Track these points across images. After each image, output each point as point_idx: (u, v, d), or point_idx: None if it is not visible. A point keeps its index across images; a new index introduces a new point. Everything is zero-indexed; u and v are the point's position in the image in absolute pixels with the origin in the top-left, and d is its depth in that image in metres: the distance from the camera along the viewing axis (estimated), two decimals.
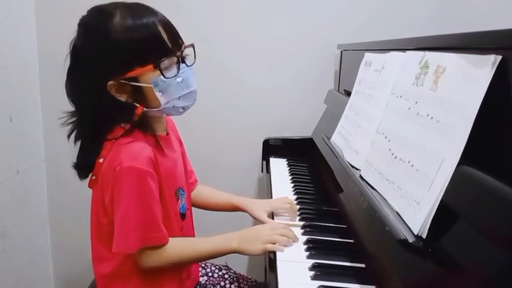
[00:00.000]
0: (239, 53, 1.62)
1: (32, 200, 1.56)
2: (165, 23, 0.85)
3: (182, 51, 0.88)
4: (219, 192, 1.18)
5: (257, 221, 1.08)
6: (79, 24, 0.87)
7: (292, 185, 1.31)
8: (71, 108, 0.91)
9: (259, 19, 1.60)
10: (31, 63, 1.52)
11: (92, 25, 0.86)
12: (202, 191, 1.17)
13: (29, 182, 1.53)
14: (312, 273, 0.81)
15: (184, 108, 0.92)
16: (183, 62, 0.88)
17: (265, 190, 1.31)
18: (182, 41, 0.89)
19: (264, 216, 1.05)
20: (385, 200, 0.77)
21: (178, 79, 0.87)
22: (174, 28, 0.87)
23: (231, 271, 1.14)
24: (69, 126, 0.91)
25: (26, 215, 1.50)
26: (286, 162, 1.53)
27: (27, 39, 1.49)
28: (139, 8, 0.86)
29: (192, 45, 0.90)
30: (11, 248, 1.40)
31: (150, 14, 0.84)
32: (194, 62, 0.91)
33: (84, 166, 0.91)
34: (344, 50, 1.52)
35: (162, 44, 0.84)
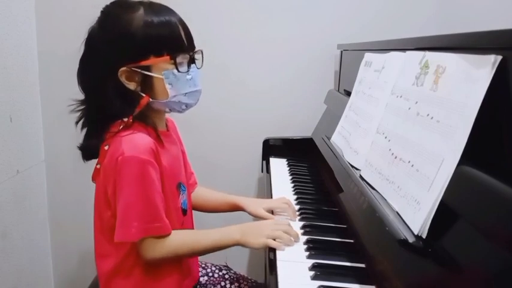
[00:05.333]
0: (239, 53, 1.62)
1: (32, 200, 1.55)
2: (184, 24, 0.92)
3: (194, 52, 0.93)
4: (215, 192, 1.18)
5: (256, 219, 1.08)
6: (101, 12, 0.91)
7: (292, 185, 1.31)
8: (73, 103, 0.92)
9: (259, 19, 1.60)
10: (31, 63, 1.52)
11: (114, 13, 0.90)
12: (200, 192, 1.17)
13: (29, 182, 1.53)
14: (312, 273, 0.81)
15: (187, 106, 0.96)
16: (194, 62, 0.93)
17: (265, 190, 1.31)
18: (194, 45, 0.95)
19: (261, 212, 1.06)
20: (385, 200, 0.77)
21: (188, 76, 0.92)
22: (190, 32, 0.93)
23: (231, 271, 1.14)
24: (68, 124, 0.93)
25: (26, 215, 1.50)
26: (286, 162, 1.53)
27: (27, 39, 1.49)
28: (163, 7, 0.91)
29: (201, 51, 0.96)
30: (11, 248, 1.40)
31: (172, 14, 0.91)
32: (201, 66, 0.96)
33: (88, 149, 0.94)
34: (344, 50, 1.52)
35: (179, 40, 0.90)
